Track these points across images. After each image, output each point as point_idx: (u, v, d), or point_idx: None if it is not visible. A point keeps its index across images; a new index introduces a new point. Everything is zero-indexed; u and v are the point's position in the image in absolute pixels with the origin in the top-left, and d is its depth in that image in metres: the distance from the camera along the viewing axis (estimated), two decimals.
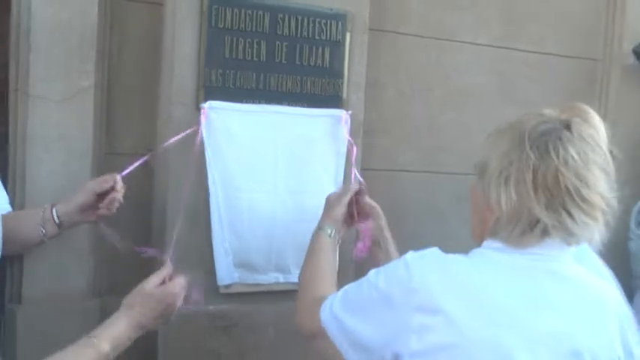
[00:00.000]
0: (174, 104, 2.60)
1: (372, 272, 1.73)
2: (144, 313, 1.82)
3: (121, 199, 2.24)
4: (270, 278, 2.77)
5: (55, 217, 2.21)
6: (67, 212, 2.22)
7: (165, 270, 2.01)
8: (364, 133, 2.92)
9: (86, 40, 2.58)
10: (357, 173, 2.34)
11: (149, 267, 2.62)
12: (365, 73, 2.95)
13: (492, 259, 1.63)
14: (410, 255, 1.67)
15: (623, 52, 3.75)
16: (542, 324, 1.54)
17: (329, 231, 2.20)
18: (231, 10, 2.65)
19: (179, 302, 1.92)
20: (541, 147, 1.59)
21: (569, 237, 1.60)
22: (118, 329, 1.77)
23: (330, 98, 2.84)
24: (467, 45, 3.37)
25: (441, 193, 3.27)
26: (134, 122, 2.77)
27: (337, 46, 2.84)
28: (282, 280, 2.79)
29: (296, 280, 2.79)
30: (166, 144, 2.43)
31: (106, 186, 2.21)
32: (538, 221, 1.57)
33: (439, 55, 3.33)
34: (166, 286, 1.92)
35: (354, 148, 2.68)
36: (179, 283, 1.94)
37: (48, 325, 2.50)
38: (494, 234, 1.65)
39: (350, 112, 2.83)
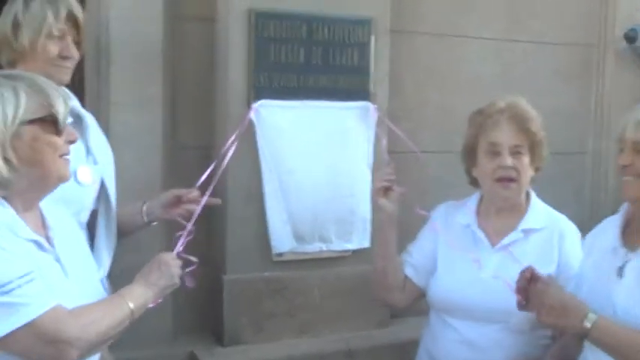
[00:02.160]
0: (230, 104, 3.09)
1: None
2: (149, 275, 2.05)
3: (199, 210, 2.43)
4: (315, 247, 3.25)
5: (144, 212, 2.53)
6: (152, 207, 2.54)
7: None
8: (389, 121, 3.38)
9: (153, 53, 3.07)
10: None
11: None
12: (388, 69, 3.41)
13: None
14: None
15: (616, 37, 4.18)
16: None
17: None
18: (273, 22, 3.13)
19: (174, 266, 2.10)
20: None
21: None
22: (136, 291, 2.00)
23: (359, 92, 3.31)
24: (474, 39, 3.83)
25: (455, 172, 3.70)
26: (195, 120, 3.26)
27: (363, 47, 3.31)
28: (325, 249, 3.28)
29: (336, 248, 3.29)
30: (229, 143, 2.68)
31: (184, 193, 2.50)
32: None
33: (450, 49, 3.78)
34: (160, 254, 2.15)
35: (384, 140, 3.05)
36: (169, 254, 2.14)
37: None
38: None
39: (375, 105, 3.28)
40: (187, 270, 2.23)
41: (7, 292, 1.67)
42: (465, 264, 2.50)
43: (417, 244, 2.65)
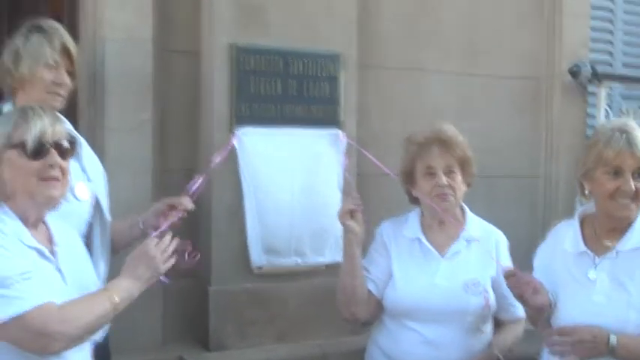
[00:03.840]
0: (214, 130, 3.40)
1: None
2: (132, 268, 2.21)
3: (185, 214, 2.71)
4: (292, 261, 3.53)
5: (140, 223, 2.78)
6: (147, 217, 2.78)
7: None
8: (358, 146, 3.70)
9: (144, 83, 3.38)
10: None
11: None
12: (356, 100, 3.75)
13: None
14: None
15: (562, 72, 4.56)
16: None
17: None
18: (254, 57, 3.45)
19: (158, 256, 2.23)
20: None
21: None
22: (122, 284, 2.16)
23: (330, 121, 3.64)
24: (434, 73, 4.18)
25: None
26: (181, 145, 3.56)
27: (334, 80, 3.64)
28: (300, 262, 3.56)
29: (311, 262, 3.57)
30: (214, 163, 2.95)
31: (176, 200, 2.73)
32: None
33: (412, 82, 4.12)
34: (140, 246, 2.29)
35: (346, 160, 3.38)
36: (149, 242, 2.26)
37: None
38: None
39: (345, 132, 3.60)
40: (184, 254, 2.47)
41: (6, 286, 1.93)
42: (420, 272, 2.84)
43: (372, 261, 2.94)
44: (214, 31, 3.41)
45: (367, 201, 3.59)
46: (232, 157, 3.33)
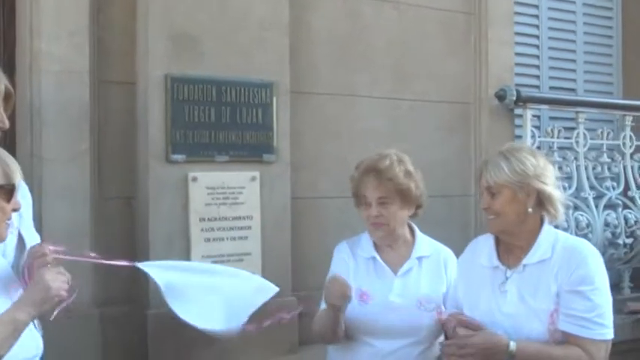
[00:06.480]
0: (150, 158, 3.50)
1: None
2: (25, 297, 2.13)
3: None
4: None
5: None
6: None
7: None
8: (292, 171, 3.83)
9: (82, 114, 3.47)
10: None
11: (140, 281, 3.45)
12: (289, 126, 3.88)
13: None
14: None
15: (489, 96, 4.78)
16: None
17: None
18: (187, 86, 3.58)
19: (57, 287, 2.13)
20: None
21: None
22: (6, 316, 2.06)
23: (264, 146, 3.77)
24: (365, 98, 4.35)
25: (351, 214, 4.16)
26: (119, 174, 3.65)
27: (267, 107, 3.78)
28: None
29: None
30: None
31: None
32: None
33: (343, 107, 4.28)
34: (38, 273, 2.20)
35: None
36: (51, 272, 2.18)
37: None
38: None
39: (278, 156, 3.75)
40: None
41: None
42: (376, 290, 2.95)
43: None
44: (149, 62, 3.52)
45: (301, 223, 3.75)
46: (177, 190, 3.48)
